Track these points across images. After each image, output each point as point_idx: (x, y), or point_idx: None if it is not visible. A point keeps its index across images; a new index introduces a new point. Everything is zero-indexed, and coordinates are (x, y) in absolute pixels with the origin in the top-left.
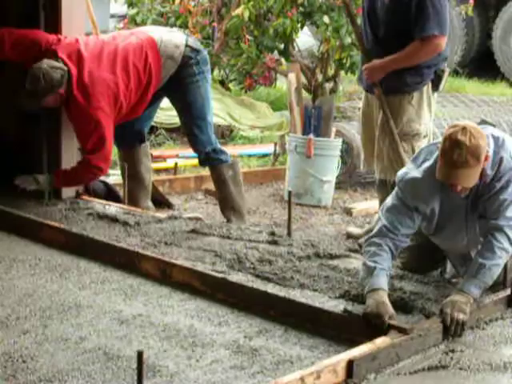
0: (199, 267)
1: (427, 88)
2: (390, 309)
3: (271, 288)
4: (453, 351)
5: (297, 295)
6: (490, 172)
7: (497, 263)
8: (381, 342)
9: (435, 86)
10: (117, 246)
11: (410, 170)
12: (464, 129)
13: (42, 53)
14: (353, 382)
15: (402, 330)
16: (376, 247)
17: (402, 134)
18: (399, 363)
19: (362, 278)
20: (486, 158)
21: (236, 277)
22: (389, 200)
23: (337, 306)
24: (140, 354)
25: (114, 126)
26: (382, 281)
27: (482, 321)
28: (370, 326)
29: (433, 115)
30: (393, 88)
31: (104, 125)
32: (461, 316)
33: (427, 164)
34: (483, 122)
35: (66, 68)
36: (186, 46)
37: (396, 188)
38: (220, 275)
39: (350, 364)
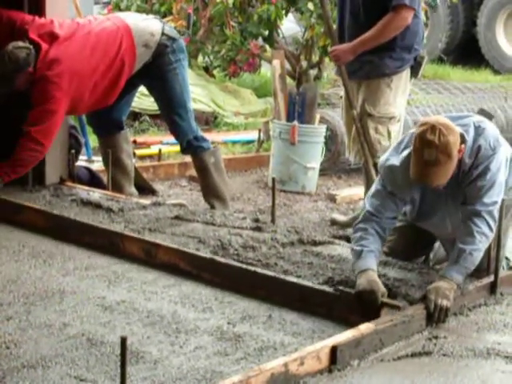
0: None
1: (406, 73)
2: (382, 286)
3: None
4: (436, 338)
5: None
6: (468, 160)
7: (477, 248)
8: (365, 328)
9: (415, 73)
10: (100, 227)
11: (391, 157)
12: (433, 127)
13: (15, 31)
14: (336, 368)
15: (394, 307)
16: (362, 232)
17: (379, 116)
18: (383, 349)
19: (352, 263)
20: (460, 151)
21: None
22: (373, 186)
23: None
24: (123, 340)
25: (74, 104)
26: (370, 262)
27: (466, 307)
28: (363, 304)
29: (405, 101)
30: (374, 71)
31: (57, 101)
32: (444, 302)
33: (406, 152)
34: (482, 112)
35: (31, 47)
36: (163, 34)
37: (379, 174)
38: (208, 256)
39: (334, 350)
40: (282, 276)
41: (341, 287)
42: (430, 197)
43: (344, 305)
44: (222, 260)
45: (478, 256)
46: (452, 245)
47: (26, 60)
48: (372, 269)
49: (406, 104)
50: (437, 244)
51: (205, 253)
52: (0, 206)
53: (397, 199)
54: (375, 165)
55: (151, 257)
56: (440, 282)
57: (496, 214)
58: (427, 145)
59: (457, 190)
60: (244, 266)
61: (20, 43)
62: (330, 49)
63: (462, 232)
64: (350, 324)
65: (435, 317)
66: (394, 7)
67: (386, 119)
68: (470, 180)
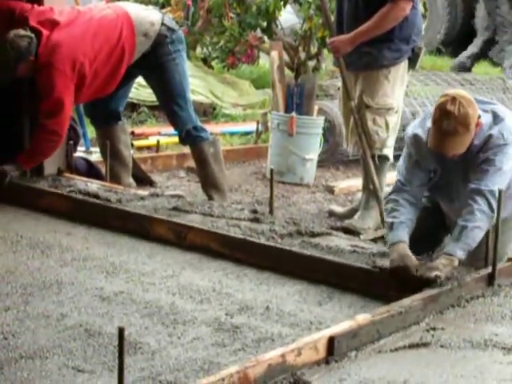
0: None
1: (404, 65)
2: (414, 259)
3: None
4: (434, 329)
5: None
6: (477, 143)
7: (478, 225)
8: (362, 318)
9: (412, 64)
10: (129, 211)
11: (417, 126)
12: (453, 99)
13: (14, 20)
14: (334, 359)
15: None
16: (393, 203)
17: (376, 108)
18: (380, 341)
19: (385, 234)
20: (478, 125)
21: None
22: (401, 157)
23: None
24: (121, 331)
25: (74, 92)
26: (401, 234)
27: (463, 298)
28: (398, 279)
29: (403, 93)
30: (372, 63)
31: (63, 88)
32: (432, 274)
33: (429, 124)
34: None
35: (32, 35)
36: (162, 24)
37: (405, 143)
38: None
39: (331, 341)
40: (318, 254)
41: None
42: (444, 172)
43: (382, 281)
44: (257, 240)
45: (479, 234)
46: None
47: (27, 49)
48: (403, 241)
49: (403, 95)
50: (446, 240)
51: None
52: (23, 192)
53: (421, 167)
54: (373, 156)
55: (181, 238)
56: (439, 259)
57: (497, 195)
58: (446, 115)
59: (465, 172)
60: (279, 246)
61: (21, 31)
62: (328, 40)
63: (463, 211)
64: (389, 300)
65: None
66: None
67: (384, 110)
68: (476, 163)
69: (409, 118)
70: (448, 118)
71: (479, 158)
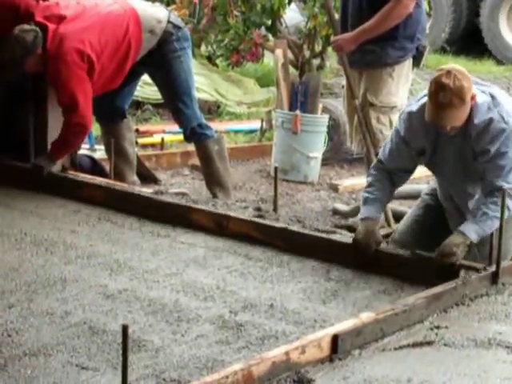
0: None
1: (408, 63)
2: (378, 237)
3: None
4: (438, 327)
5: None
6: (477, 122)
7: (498, 216)
8: (366, 317)
9: (417, 62)
10: (166, 201)
11: (411, 104)
12: (448, 72)
13: (20, 16)
14: (337, 357)
15: (473, 269)
16: (372, 178)
17: (381, 106)
18: (384, 339)
19: (361, 204)
20: (473, 98)
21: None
22: (388, 137)
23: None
24: (125, 329)
25: (89, 83)
26: (372, 210)
27: (467, 297)
28: (357, 253)
29: (407, 91)
30: (376, 61)
31: (74, 79)
32: (448, 260)
33: (424, 100)
34: None
35: (37, 29)
36: (168, 22)
37: (397, 121)
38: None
39: (335, 339)
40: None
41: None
42: (440, 149)
43: (420, 267)
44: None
45: (496, 224)
46: (456, 213)
47: (33, 43)
48: (372, 217)
49: (407, 94)
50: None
51: None
52: (60, 182)
53: (406, 148)
54: (377, 154)
55: (222, 227)
56: (453, 237)
57: None
58: (442, 88)
59: (464, 148)
60: (318, 234)
61: (26, 26)
62: (332, 38)
63: (487, 199)
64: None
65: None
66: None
67: (388, 109)
68: (489, 157)
69: None
70: (443, 91)
71: (487, 149)
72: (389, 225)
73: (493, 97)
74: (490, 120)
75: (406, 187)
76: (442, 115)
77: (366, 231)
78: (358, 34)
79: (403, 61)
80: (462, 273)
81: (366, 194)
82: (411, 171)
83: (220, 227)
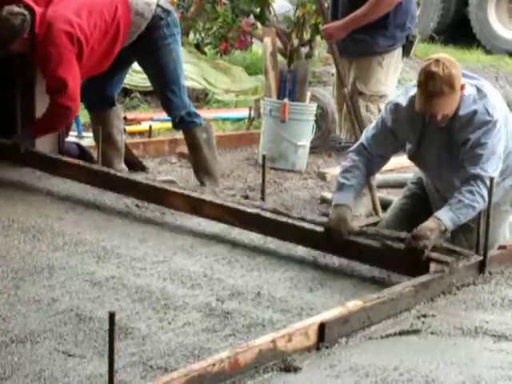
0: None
1: (398, 52)
2: (349, 225)
3: None
4: (424, 316)
5: None
6: (462, 114)
7: (473, 205)
8: (352, 305)
9: (406, 52)
10: (144, 182)
11: (399, 95)
12: (437, 61)
13: None
14: (324, 345)
15: (443, 262)
16: (350, 162)
17: (370, 94)
18: (371, 327)
19: (333, 191)
20: (463, 87)
21: None
22: (373, 122)
23: None
24: (112, 316)
25: (77, 67)
26: (347, 197)
27: (454, 286)
28: (328, 240)
29: (396, 80)
30: (365, 49)
31: (65, 62)
32: (421, 243)
33: (412, 93)
34: None
35: (26, 12)
36: (157, 5)
37: (383, 110)
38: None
39: (322, 327)
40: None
41: (389, 242)
42: (426, 142)
43: (391, 259)
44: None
45: (472, 213)
46: (441, 203)
47: (21, 27)
48: (346, 204)
49: (396, 83)
50: None
51: None
52: (40, 160)
53: (392, 137)
54: None
55: (197, 211)
56: (428, 222)
57: (494, 181)
58: (431, 76)
59: (449, 140)
60: (290, 221)
61: (15, 9)
62: (321, 27)
63: (463, 188)
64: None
65: (412, 256)
66: None
67: (377, 97)
68: (469, 146)
69: None
70: (433, 79)
71: (468, 138)
72: (376, 214)
73: (479, 90)
74: (475, 112)
75: (393, 176)
76: (433, 103)
77: (337, 218)
78: (348, 22)
79: (393, 50)
80: (432, 266)
81: (342, 180)
82: (389, 158)
83: (195, 211)
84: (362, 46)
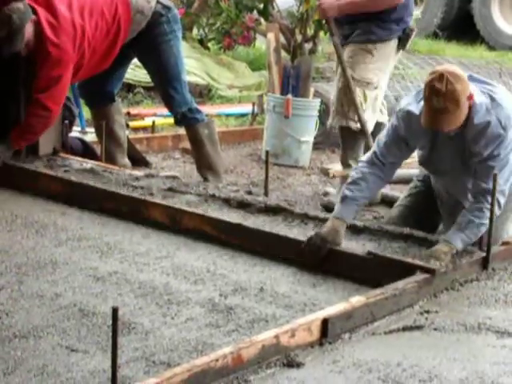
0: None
1: (393, 44)
2: (339, 239)
3: None
4: (428, 312)
5: None
6: (477, 122)
7: (484, 223)
8: (356, 301)
9: (402, 45)
10: (123, 194)
11: (411, 103)
12: (441, 76)
13: None
14: (327, 340)
15: (429, 270)
16: (358, 174)
17: (358, 79)
18: (374, 323)
19: (337, 201)
20: (471, 97)
21: None
22: (384, 130)
23: None
24: (115, 311)
25: (74, 72)
26: (347, 211)
27: (458, 282)
28: (309, 246)
29: (390, 72)
30: (359, 37)
31: (64, 65)
32: (436, 264)
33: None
34: None
35: (25, 9)
36: (157, 2)
37: (394, 116)
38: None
39: (325, 323)
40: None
41: (373, 251)
42: (438, 148)
43: (376, 268)
44: (251, 225)
45: (483, 231)
46: (450, 210)
47: (25, 7)
48: (343, 219)
49: (389, 74)
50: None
51: None
52: (15, 173)
53: (403, 146)
54: (348, 128)
55: (176, 223)
56: (440, 245)
57: (507, 192)
58: (435, 93)
59: (462, 147)
60: (273, 231)
61: (14, 5)
62: (317, 1)
63: (473, 205)
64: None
65: None
66: None
67: (364, 83)
68: (481, 158)
69: (392, 102)
70: (437, 96)
71: (482, 154)
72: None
73: (492, 98)
74: (488, 123)
75: (397, 172)
76: (438, 120)
77: (331, 229)
78: (345, 3)
79: (387, 40)
80: (419, 273)
81: (346, 192)
82: (401, 163)
83: (174, 223)
84: (357, 33)
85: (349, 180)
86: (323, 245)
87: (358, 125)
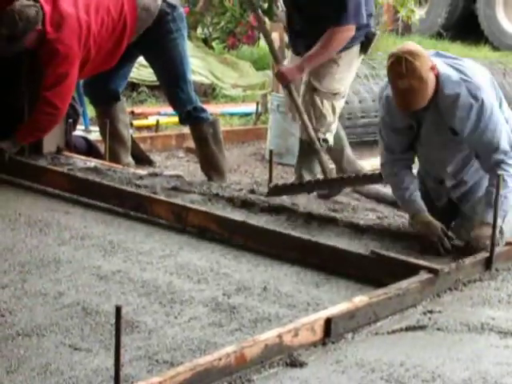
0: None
1: (356, 49)
2: (438, 224)
3: None
4: (431, 312)
5: None
6: (448, 92)
7: (510, 190)
8: (359, 300)
9: (364, 50)
10: (128, 190)
11: (385, 88)
12: (398, 58)
13: None
14: (330, 340)
15: (433, 270)
16: (393, 177)
17: (324, 91)
18: (377, 323)
19: (402, 207)
20: (433, 68)
21: None
22: (380, 126)
23: None
24: (118, 310)
25: (80, 68)
26: (417, 204)
27: (461, 282)
28: (427, 246)
29: (352, 78)
30: None
31: (70, 61)
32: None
33: None
34: None
35: (38, 4)
36: (163, 0)
37: (379, 108)
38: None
39: (328, 322)
40: (315, 239)
41: (376, 250)
42: (418, 122)
43: (379, 268)
44: (255, 223)
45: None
46: (437, 194)
47: (35, 18)
48: (421, 210)
49: (351, 79)
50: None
51: None
52: (22, 169)
53: (398, 129)
54: (318, 139)
55: (181, 220)
56: (478, 229)
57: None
58: (397, 76)
59: (437, 116)
60: (277, 230)
61: (26, 1)
62: (275, 69)
63: (492, 179)
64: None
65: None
66: (338, 26)
67: (331, 95)
68: (467, 135)
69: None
70: (400, 78)
71: (460, 126)
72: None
73: (460, 71)
74: (457, 95)
75: None
76: (408, 101)
77: (424, 224)
78: (302, 63)
79: (350, 47)
80: (422, 273)
81: (400, 192)
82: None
83: (179, 219)
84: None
85: (392, 187)
86: (437, 236)
87: (327, 134)
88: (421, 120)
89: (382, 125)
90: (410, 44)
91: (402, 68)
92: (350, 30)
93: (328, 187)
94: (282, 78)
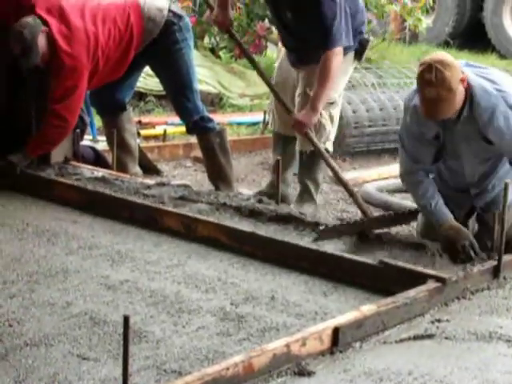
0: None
1: (349, 57)
2: (466, 230)
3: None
4: (439, 321)
5: None
6: (483, 104)
7: None
8: (367, 309)
9: (359, 57)
10: (138, 202)
11: (412, 97)
12: (429, 66)
13: (21, 6)
14: (338, 349)
15: (440, 279)
16: (416, 187)
17: None
18: (385, 332)
19: (429, 218)
20: (463, 80)
21: None
22: (404, 137)
23: None
24: (126, 320)
25: (88, 80)
26: (443, 212)
27: (469, 291)
28: (457, 255)
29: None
30: (315, 58)
31: (78, 74)
32: None
33: None
34: None
35: (37, 25)
36: (169, 10)
37: (404, 116)
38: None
39: (336, 331)
40: (324, 249)
41: (385, 259)
42: (447, 132)
43: (387, 277)
44: (263, 233)
45: None
46: (458, 201)
47: (35, 21)
48: (447, 218)
49: (344, 86)
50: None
51: None
52: (32, 182)
53: (424, 139)
54: (325, 150)
55: (191, 231)
56: None
57: None
58: (426, 84)
59: (468, 128)
60: (286, 240)
61: (26, 22)
62: (291, 120)
63: None
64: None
65: None
66: (327, 49)
67: (328, 104)
68: (498, 138)
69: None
70: (429, 86)
71: (499, 136)
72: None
73: (490, 80)
74: (495, 106)
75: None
76: (434, 110)
77: (453, 231)
78: (314, 103)
79: (345, 55)
80: (430, 282)
81: (425, 201)
82: (433, 155)
83: (188, 230)
84: (313, 54)
85: (415, 197)
86: (467, 241)
87: (327, 143)
88: (449, 129)
89: (407, 134)
90: (443, 53)
91: (431, 76)
92: (340, 53)
93: (377, 226)
94: (301, 127)
